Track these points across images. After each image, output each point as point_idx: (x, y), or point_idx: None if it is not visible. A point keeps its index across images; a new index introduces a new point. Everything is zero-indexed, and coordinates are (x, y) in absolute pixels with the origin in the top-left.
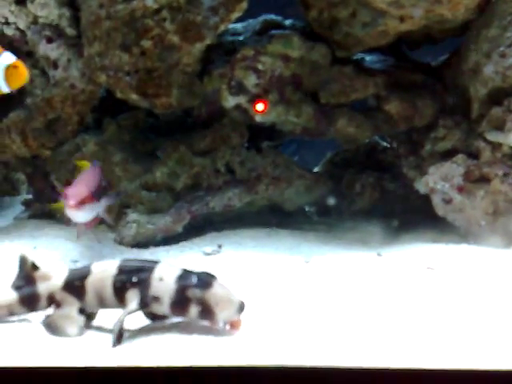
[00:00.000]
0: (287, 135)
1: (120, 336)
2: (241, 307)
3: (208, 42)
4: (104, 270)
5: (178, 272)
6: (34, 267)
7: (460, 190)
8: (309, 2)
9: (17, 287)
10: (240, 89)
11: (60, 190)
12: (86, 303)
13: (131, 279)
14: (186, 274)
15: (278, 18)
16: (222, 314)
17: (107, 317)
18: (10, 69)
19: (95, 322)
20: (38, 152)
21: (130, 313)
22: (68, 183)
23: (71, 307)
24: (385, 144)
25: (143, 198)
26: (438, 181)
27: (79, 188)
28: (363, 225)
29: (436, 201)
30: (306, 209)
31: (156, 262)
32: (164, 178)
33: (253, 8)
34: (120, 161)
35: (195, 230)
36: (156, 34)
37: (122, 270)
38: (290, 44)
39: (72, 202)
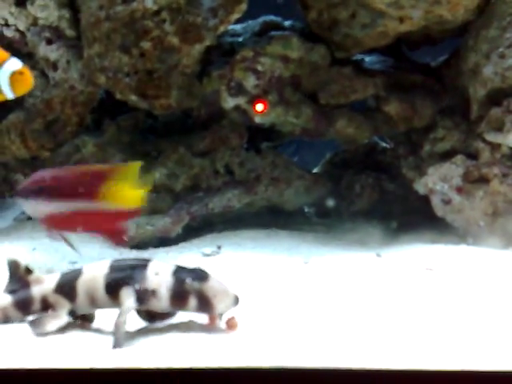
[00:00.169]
0: (286, 136)
1: (122, 337)
2: (236, 300)
3: (207, 43)
4: (95, 269)
5: (172, 267)
6: (28, 271)
7: (459, 190)
8: (308, 2)
9: (10, 291)
10: (239, 90)
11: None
12: (77, 305)
13: (124, 277)
14: (180, 269)
15: (278, 19)
16: (220, 306)
17: (106, 318)
18: (15, 75)
19: (94, 323)
20: (38, 153)
21: (128, 311)
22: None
23: (62, 309)
24: (384, 145)
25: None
26: (437, 181)
27: (34, 180)
28: (362, 225)
29: (435, 201)
30: (306, 209)
31: (148, 260)
32: (163, 179)
33: (252, 9)
34: (119, 162)
35: (194, 231)
36: (155, 36)
37: (113, 269)
38: (289, 45)
39: (19, 189)
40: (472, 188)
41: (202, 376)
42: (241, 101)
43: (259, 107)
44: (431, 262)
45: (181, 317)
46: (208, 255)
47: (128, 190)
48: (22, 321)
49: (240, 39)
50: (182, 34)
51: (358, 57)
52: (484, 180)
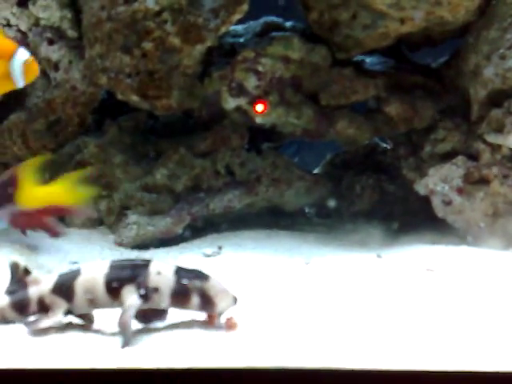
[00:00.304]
0: (287, 137)
1: (130, 335)
2: (235, 299)
3: (209, 44)
4: (94, 269)
5: (173, 267)
6: (26, 272)
7: (460, 191)
8: (309, 4)
9: (9, 292)
10: (240, 90)
11: None
12: (75, 305)
13: (126, 275)
14: (181, 269)
15: (279, 20)
16: (221, 305)
17: (106, 318)
18: (26, 64)
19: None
20: (39, 154)
21: (132, 308)
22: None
23: (58, 309)
24: (385, 145)
25: (143, 199)
26: (438, 182)
27: None
28: (363, 226)
29: (436, 202)
30: (306, 210)
31: (148, 260)
32: (164, 179)
33: (253, 10)
34: (120, 162)
35: (195, 231)
36: (157, 36)
37: (114, 268)
38: (290, 46)
39: None
40: (472, 189)
41: (202, 376)
42: (242, 101)
43: (260, 108)
44: (432, 263)
45: (181, 317)
46: (209, 256)
47: (28, 189)
48: (21, 322)
49: (241, 40)
50: (184, 34)
51: (359, 58)
52: (484, 181)
